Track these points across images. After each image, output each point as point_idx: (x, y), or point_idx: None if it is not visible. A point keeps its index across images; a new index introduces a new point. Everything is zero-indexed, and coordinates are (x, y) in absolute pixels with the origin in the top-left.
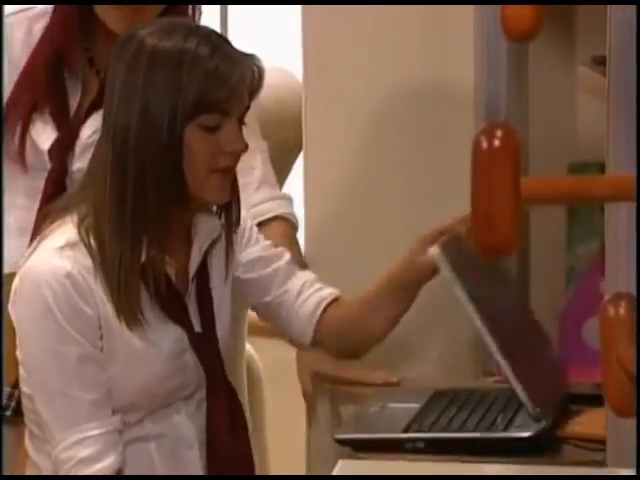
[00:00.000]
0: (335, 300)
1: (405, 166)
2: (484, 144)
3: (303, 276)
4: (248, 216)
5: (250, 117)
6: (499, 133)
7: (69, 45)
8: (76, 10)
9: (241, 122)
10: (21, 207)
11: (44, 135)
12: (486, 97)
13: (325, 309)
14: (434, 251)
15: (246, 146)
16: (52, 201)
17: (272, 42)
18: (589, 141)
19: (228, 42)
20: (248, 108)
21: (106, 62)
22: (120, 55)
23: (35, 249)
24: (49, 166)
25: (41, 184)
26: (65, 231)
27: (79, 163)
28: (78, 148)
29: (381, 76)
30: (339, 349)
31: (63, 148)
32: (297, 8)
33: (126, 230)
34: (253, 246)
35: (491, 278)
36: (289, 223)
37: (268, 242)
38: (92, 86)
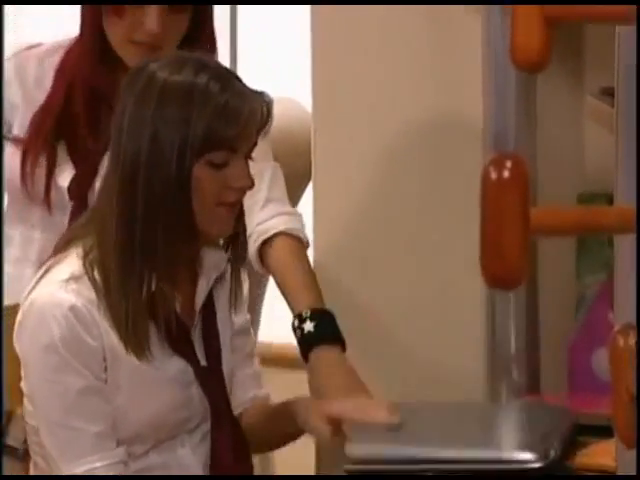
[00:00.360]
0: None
1: (414, 197)
2: (493, 175)
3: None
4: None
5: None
6: (508, 164)
7: (88, 79)
8: (97, 45)
9: (248, 158)
10: (38, 240)
11: (63, 171)
12: (494, 127)
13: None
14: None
15: (252, 183)
16: None
17: (281, 72)
18: (597, 172)
19: (238, 78)
20: (255, 144)
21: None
22: (130, 87)
23: (39, 281)
24: (68, 203)
25: (59, 219)
26: (70, 263)
27: None
28: (98, 184)
29: (390, 107)
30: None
31: (83, 185)
32: (307, 37)
33: (133, 263)
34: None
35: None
36: (295, 239)
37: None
38: (108, 122)
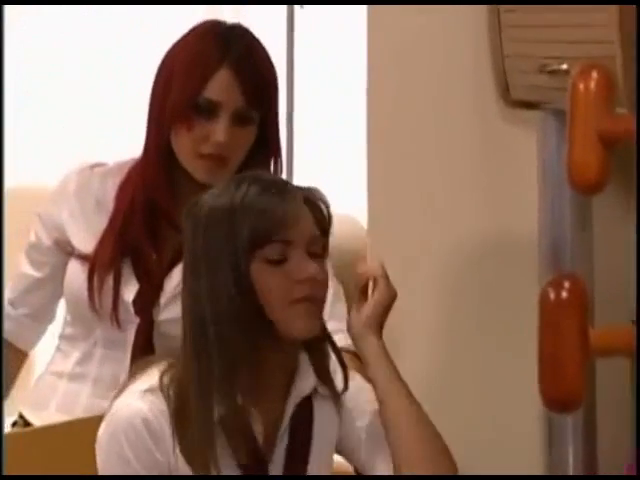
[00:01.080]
0: None
1: (471, 315)
2: (552, 295)
3: None
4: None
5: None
6: (566, 284)
7: (149, 191)
8: (162, 159)
9: (311, 251)
10: (99, 356)
11: (127, 286)
12: (551, 247)
13: None
14: None
15: (320, 272)
16: (142, 352)
17: (338, 188)
18: None
19: (283, 181)
20: (317, 239)
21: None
22: (186, 221)
23: (121, 392)
24: (134, 318)
25: (123, 334)
26: (150, 375)
27: (165, 314)
28: (163, 299)
29: (445, 226)
30: None
31: (147, 300)
32: (363, 159)
33: (210, 383)
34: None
35: None
36: (352, 353)
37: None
38: (169, 235)
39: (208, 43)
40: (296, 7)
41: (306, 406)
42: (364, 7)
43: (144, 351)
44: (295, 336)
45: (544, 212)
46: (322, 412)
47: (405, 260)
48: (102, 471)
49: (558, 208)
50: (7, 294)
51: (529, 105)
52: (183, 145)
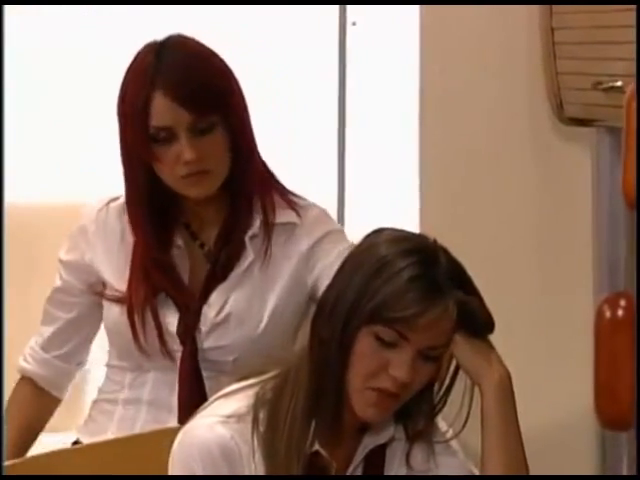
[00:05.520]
0: None
1: (524, 333)
2: (607, 314)
3: None
4: None
5: None
6: (622, 302)
7: (155, 229)
8: (145, 192)
9: (427, 355)
10: (151, 381)
11: (168, 318)
12: (606, 264)
13: None
14: None
15: (417, 378)
16: (189, 381)
17: (391, 205)
18: None
19: (444, 270)
20: (440, 347)
21: (208, 233)
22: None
23: (207, 407)
24: (179, 346)
25: (175, 362)
26: (238, 400)
27: (209, 342)
28: (204, 327)
29: (498, 241)
30: None
31: (190, 329)
32: (416, 174)
33: (300, 413)
34: None
35: None
36: None
37: None
38: (199, 259)
39: (140, 72)
40: (348, 24)
41: (379, 453)
42: (417, 23)
43: (191, 380)
44: (364, 418)
45: (599, 229)
46: (395, 457)
47: None
48: None
49: (613, 225)
50: (37, 340)
51: (583, 122)
52: (163, 174)
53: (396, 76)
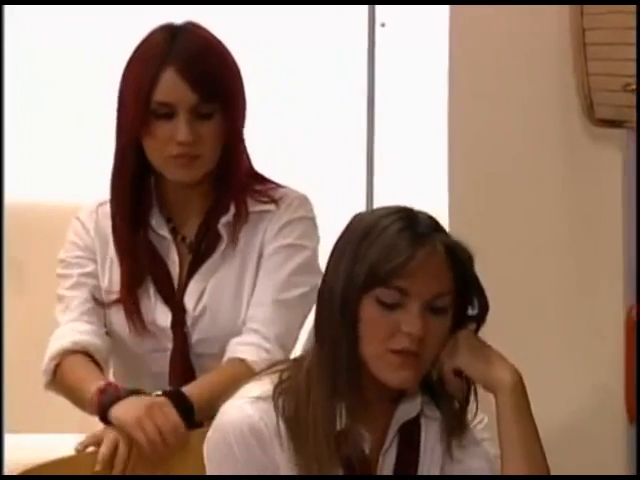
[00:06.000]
0: None
1: (552, 333)
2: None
3: None
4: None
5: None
6: None
7: (137, 221)
8: (134, 178)
9: (434, 306)
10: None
11: (157, 312)
12: (635, 267)
13: None
14: None
15: (431, 331)
16: (181, 376)
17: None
18: None
19: (425, 221)
20: (444, 295)
21: (189, 227)
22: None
23: (237, 393)
24: (166, 341)
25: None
26: (263, 384)
27: (195, 334)
28: (189, 320)
29: (526, 241)
30: None
31: (180, 322)
32: (445, 174)
33: (321, 397)
34: None
35: None
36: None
37: None
38: (185, 253)
39: (153, 47)
40: (377, 25)
41: (413, 427)
42: (446, 24)
43: (182, 372)
44: (392, 385)
45: (629, 230)
46: (430, 433)
47: (485, 275)
48: (211, 472)
49: None
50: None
51: (613, 123)
52: (152, 151)
53: (425, 77)
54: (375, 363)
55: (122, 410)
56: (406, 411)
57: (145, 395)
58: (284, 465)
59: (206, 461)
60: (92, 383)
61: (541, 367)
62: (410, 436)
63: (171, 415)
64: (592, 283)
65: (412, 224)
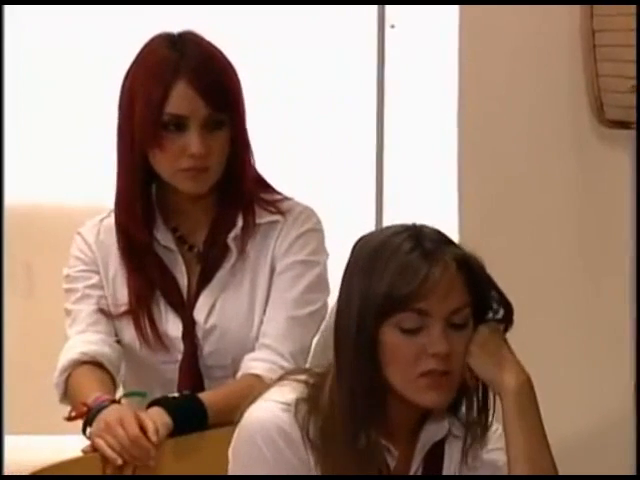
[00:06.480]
0: None
1: (561, 332)
2: None
3: None
4: None
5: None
6: None
7: (146, 232)
8: (140, 190)
9: (453, 323)
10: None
11: (168, 323)
12: None
13: None
14: None
15: (456, 347)
16: (190, 386)
17: (429, 210)
18: None
19: (431, 236)
20: (462, 310)
21: (195, 236)
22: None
23: (261, 396)
24: (176, 352)
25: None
26: (293, 390)
27: (207, 347)
28: (199, 332)
29: (536, 242)
30: None
31: (191, 334)
32: (455, 176)
33: (343, 417)
34: None
35: None
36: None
37: None
38: (192, 262)
39: (161, 58)
40: (387, 26)
41: (438, 448)
42: (456, 25)
43: (191, 383)
44: (420, 405)
45: (638, 230)
46: (453, 453)
47: (493, 276)
48: (235, 472)
49: None
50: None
51: (623, 124)
52: (161, 164)
53: (435, 78)
54: (405, 388)
55: (94, 425)
56: (433, 432)
57: (142, 397)
58: (313, 468)
59: (231, 461)
60: (87, 397)
61: (551, 369)
62: (434, 458)
63: (130, 428)
64: (601, 283)
65: (420, 242)
